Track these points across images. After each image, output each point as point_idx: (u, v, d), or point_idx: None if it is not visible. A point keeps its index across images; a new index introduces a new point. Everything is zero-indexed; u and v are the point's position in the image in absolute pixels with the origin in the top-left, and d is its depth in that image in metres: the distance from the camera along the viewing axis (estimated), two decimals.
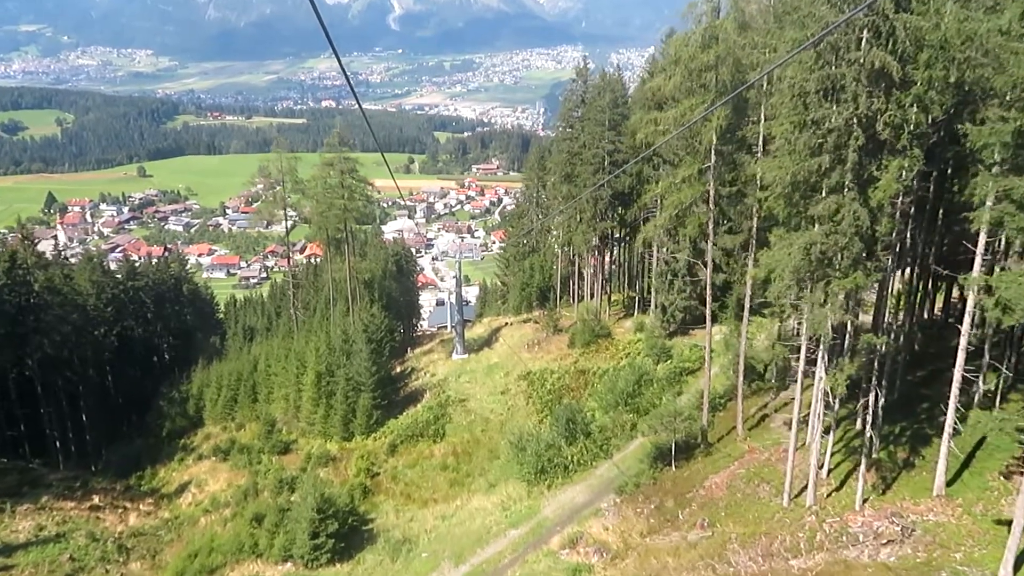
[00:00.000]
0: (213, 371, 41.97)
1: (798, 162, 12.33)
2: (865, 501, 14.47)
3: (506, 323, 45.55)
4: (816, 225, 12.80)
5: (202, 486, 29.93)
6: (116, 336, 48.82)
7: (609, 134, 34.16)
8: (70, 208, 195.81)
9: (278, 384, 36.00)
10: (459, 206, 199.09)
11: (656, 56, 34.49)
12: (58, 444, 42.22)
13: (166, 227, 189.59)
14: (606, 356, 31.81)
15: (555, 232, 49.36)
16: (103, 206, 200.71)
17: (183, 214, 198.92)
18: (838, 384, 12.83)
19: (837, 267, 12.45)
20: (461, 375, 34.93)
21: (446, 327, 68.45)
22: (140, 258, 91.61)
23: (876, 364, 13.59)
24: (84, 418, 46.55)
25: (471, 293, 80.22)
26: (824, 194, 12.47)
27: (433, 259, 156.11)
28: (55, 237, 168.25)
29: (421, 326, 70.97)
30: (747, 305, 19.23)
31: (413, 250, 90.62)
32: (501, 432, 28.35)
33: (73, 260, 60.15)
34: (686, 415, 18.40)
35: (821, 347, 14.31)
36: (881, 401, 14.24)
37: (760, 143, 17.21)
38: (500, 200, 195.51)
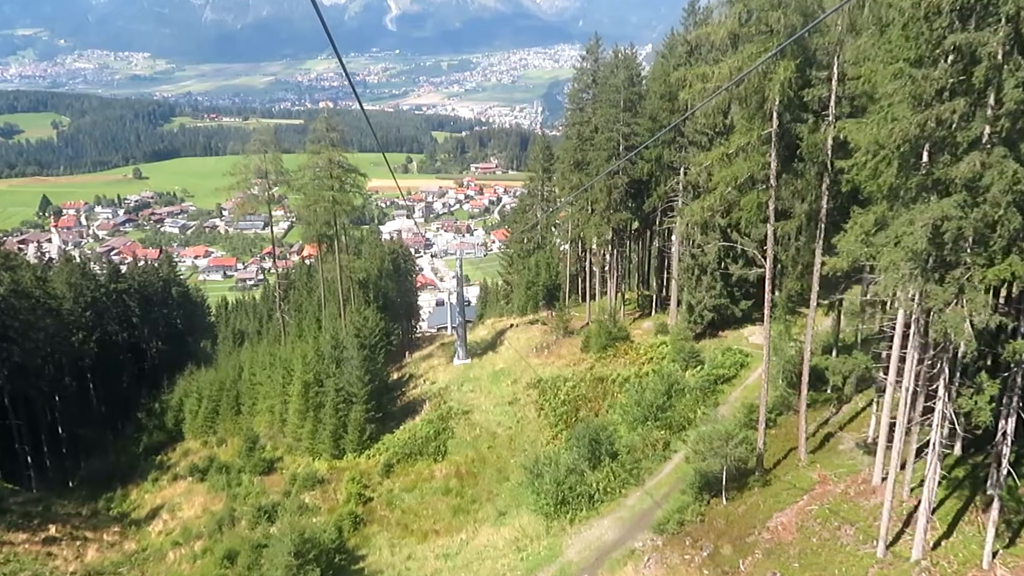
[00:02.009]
0: (193, 380, 38.70)
1: (919, 111, 9.10)
2: (994, 555, 11.27)
3: (511, 324, 42.30)
4: (934, 196, 9.58)
5: (175, 511, 26.67)
6: (96, 342, 45.68)
7: (624, 115, 30.92)
8: (65, 211, 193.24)
9: (262, 395, 32.73)
10: (458, 205, 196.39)
11: (678, 30, 31.23)
12: (30, 460, 39.08)
13: (162, 229, 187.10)
14: (625, 361, 28.54)
15: (562, 225, 46.23)
16: (98, 209, 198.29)
17: (179, 216, 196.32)
18: (981, 410, 9.59)
19: (973, 250, 9.24)
20: (464, 383, 31.67)
21: (446, 328, 65.52)
22: (127, 260, 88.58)
23: (1021, 379, 10.37)
24: (60, 430, 43.50)
25: (471, 293, 77.01)
26: (952, 154, 9.24)
27: (432, 256, 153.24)
28: (49, 240, 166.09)
29: (420, 327, 67.89)
30: (813, 301, 15.95)
31: (412, 250, 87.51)
32: (510, 448, 25.11)
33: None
34: (740, 437, 15.15)
35: (921, 356, 11.11)
36: (1011, 426, 11.03)
37: (832, 105, 13.97)
38: (499, 199, 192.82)
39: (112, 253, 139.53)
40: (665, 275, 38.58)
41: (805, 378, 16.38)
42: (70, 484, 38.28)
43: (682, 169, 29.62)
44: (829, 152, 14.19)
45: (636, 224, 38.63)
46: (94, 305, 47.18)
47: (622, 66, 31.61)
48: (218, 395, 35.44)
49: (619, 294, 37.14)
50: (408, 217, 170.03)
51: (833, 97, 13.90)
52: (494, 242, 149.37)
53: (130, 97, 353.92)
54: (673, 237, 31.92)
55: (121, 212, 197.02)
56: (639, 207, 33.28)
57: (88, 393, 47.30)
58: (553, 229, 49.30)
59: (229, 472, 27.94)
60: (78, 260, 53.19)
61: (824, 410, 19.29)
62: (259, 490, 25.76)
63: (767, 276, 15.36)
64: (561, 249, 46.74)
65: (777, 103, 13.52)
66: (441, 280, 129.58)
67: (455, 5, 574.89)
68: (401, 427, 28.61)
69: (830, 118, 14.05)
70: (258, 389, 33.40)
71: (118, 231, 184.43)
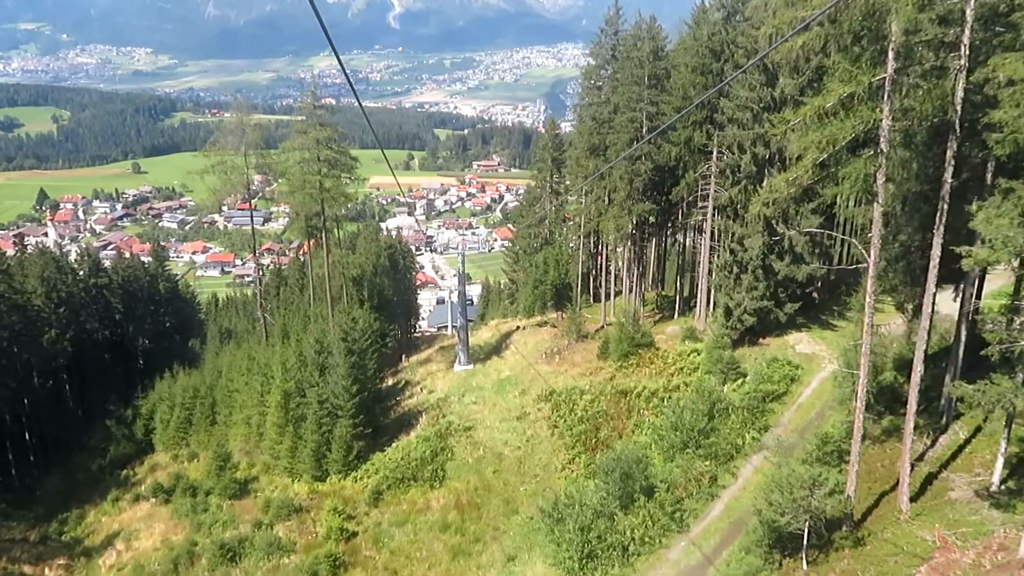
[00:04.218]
0: (167, 384, 35.10)
1: None
2: None
3: (517, 327, 38.83)
4: None
5: (132, 540, 23.16)
6: (71, 340, 42.37)
7: (649, 93, 27.34)
8: (62, 205, 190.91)
9: (239, 404, 29.19)
10: (459, 203, 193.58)
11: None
12: None
13: (160, 224, 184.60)
14: (651, 372, 24.93)
15: (573, 220, 42.64)
16: (96, 203, 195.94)
17: (178, 211, 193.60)
18: None
19: None
20: (465, 393, 28.11)
21: (446, 327, 62.15)
22: (124, 255, 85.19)
23: None
24: (28, 436, 40.22)
25: (473, 291, 73.68)
26: None
27: (432, 251, 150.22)
28: (45, 234, 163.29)
29: (420, 327, 64.57)
30: (928, 305, 12.27)
31: (413, 248, 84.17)
32: (519, 474, 21.58)
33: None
34: (830, 486, 11.53)
35: None
36: None
37: (965, 40, 10.37)
38: (501, 197, 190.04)
39: (109, 248, 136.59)
40: (691, 273, 35.00)
41: (912, 406, 12.69)
42: (37, 493, 35.07)
43: (715, 153, 26.04)
44: (958, 106, 10.59)
45: (652, 217, 35.09)
46: (69, 301, 43.92)
47: (646, 37, 28.00)
48: (192, 403, 31.91)
49: (639, 295, 33.56)
50: (409, 214, 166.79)
51: (968, 30, 10.29)
52: (495, 240, 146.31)
53: (131, 92, 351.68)
54: (703, 230, 28.33)
55: (119, 206, 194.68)
56: (664, 197, 29.70)
57: (64, 395, 44.09)
58: (568, 221, 45.66)
59: (196, 494, 24.42)
60: (54, 253, 49.93)
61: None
62: (227, 518, 22.25)
63: (870, 272, 11.73)
64: (570, 246, 43.17)
65: (897, 37, 9.92)
66: (442, 278, 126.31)
67: (458, 3, 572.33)
68: (394, 444, 25.05)
69: (961, 60, 10.45)
70: (235, 397, 29.86)
71: (116, 226, 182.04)
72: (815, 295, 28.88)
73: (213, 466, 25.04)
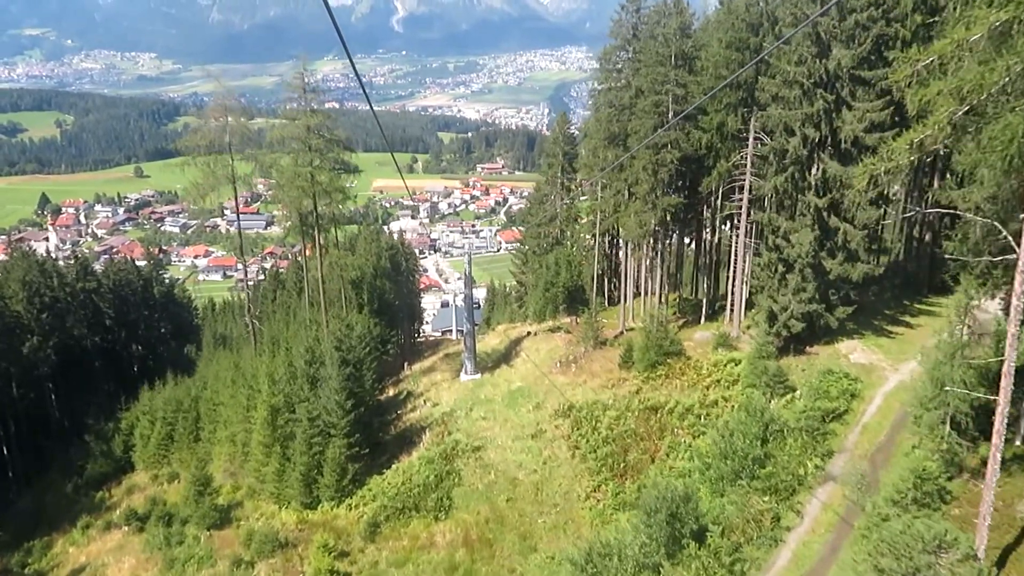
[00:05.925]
0: (148, 396, 32.47)
1: None
2: None
3: (527, 332, 36.10)
4: None
5: None
6: (56, 347, 40.04)
7: (676, 73, 24.66)
8: (64, 209, 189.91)
9: (224, 420, 26.53)
10: (463, 206, 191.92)
11: None
12: None
13: (162, 228, 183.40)
14: (682, 384, 22.14)
15: (585, 219, 39.99)
16: (98, 207, 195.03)
17: (180, 215, 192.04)
18: None
19: None
20: (473, 406, 25.38)
21: (450, 332, 59.60)
22: (108, 258, 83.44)
23: None
24: (5, 450, 37.88)
25: (477, 295, 71.20)
26: None
27: (436, 251, 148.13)
28: (47, 238, 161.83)
29: (423, 331, 62.08)
30: None
31: (416, 251, 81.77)
32: (536, 502, 18.83)
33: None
34: (963, 550, 8.73)
35: None
36: None
37: None
38: (506, 200, 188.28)
39: (110, 252, 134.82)
40: (717, 273, 32.23)
41: None
42: (18, 504, 32.65)
43: (751, 138, 23.33)
44: None
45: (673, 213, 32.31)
46: (53, 306, 41.60)
47: (673, 13, 25.35)
48: (174, 417, 29.26)
49: (663, 297, 30.77)
50: (413, 217, 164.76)
51: None
52: (500, 243, 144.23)
53: (135, 96, 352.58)
54: (736, 225, 25.59)
55: (121, 211, 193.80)
56: (693, 189, 26.97)
57: (50, 404, 41.74)
58: (575, 223, 43.06)
59: (171, 523, 21.75)
60: (39, 256, 47.71)
61: (1020, 475, 12.80)
62: (204, 553, 19.56)
63: (1019, 267, 8.95)
64: (584, 246, 40.51)
65: None
66: (446, 282, 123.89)
67: (462, 7, 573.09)
68: (393, 466, 22.32)
69: None
70: (220, 412, 27.20)
71: (118, 230, 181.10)
72: (857, 297, 26.12)
73: (192, 491, 22.36)
